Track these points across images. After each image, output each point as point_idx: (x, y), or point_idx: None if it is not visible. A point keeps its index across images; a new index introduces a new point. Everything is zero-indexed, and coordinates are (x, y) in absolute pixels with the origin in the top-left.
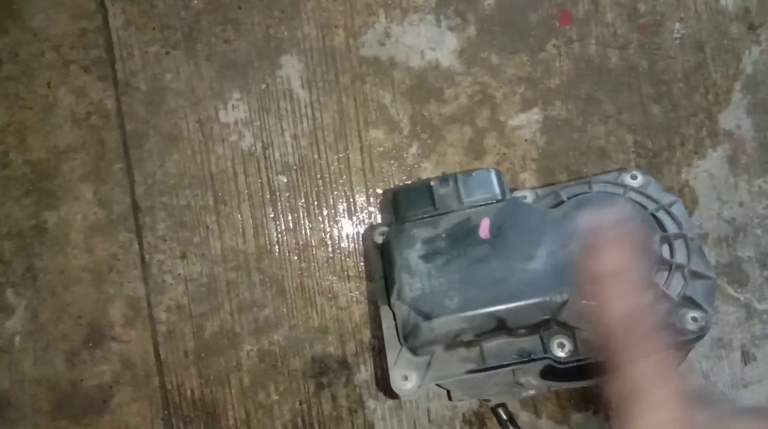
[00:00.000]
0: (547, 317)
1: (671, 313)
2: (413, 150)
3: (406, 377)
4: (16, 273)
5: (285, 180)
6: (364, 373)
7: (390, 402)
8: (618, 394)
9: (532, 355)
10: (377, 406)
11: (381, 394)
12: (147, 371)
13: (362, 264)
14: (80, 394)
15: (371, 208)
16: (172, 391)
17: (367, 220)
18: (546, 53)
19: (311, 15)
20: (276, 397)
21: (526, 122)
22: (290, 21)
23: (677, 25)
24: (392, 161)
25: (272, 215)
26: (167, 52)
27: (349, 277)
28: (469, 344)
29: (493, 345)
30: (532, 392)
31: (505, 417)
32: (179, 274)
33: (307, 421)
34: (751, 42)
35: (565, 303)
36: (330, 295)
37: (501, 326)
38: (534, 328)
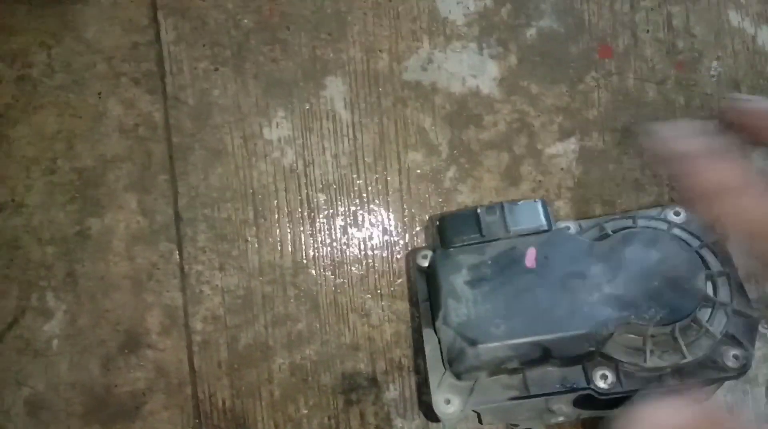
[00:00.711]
0: (591, 349)
1: (713, 350)
2: (450, 173)
3: (448, 401)
4: (58, 277)
5: (324, 198)
6: (393, 391)
7: (418, 421)
8: None
9: (575, 385)
10: (404, 425)
11: (409, 414)
12: (180, 380)
13: (396, 284)
14: (113, 399)
15: (407, 229)
16: (203, 401)
17: (402, 241)
18: (585, 85)
19: (357, 38)
20: (305, 411)
21: (563, 151)
22: (336, 44)
23: (714, 63)
24: (429, 184)
25: (310, 232)
26: (216, 69)
27: (382, 295)
28: (512, 371)
29: (537, 373)
30: (561, 419)
31: None
32: (217, 285)
33: None
34: None
35: (610, 335)
36: (362, 313)
37: (546, 355)
38: (578, 359)
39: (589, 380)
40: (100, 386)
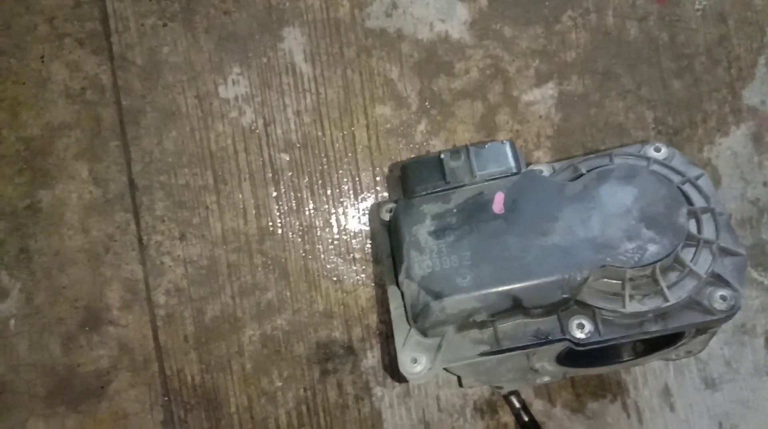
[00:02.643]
0: (565, 296)
1: (698, 291)
2: (422, 127)
3: (415, 360)
4: (10, 254)
5: (287, 158)
6: (371, 359)
7: (398, 389)
8: None
9: (550, 337)
10: (385, 394)
11: (389, 381)
12: (146, 356)
13: (369, 246)
14: (77, 379)
15: (377, 188)
16: (171, 377)
17: (373, 200)
18: (561, 25)
19: None
20: (279, 384)
21: (540, 98)
22: None
23: None
24: (400, 138)
25: (275, 195)
26: (164, 24)
27: (355, 259)
28: (482, 325)
29: (508, 326)
30: (546, 379)
31: (518, 405)
32: (178, 255)
33: (311, 408)
34: None
35: (584, 281)
36: (335, 279)
37: (516, 306)
38: (551, 308)
39: (564, 330)
40: (62, 366)
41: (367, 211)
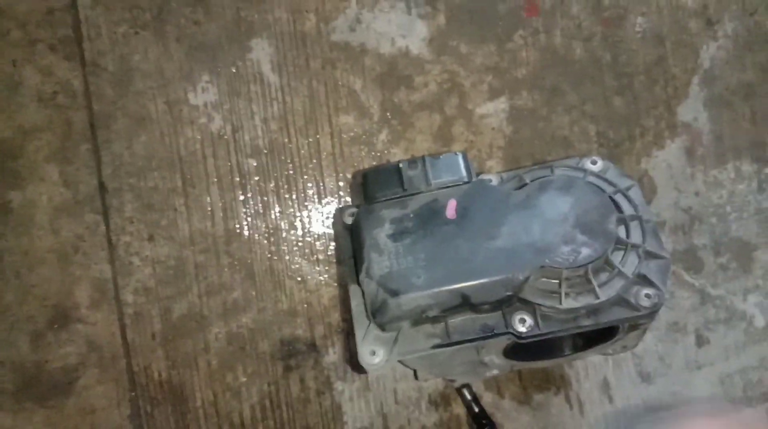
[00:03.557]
0: (509, 294)
1: (626, 290)
2: (383, 136)
3: (373, 352)
4: None
5: (255, 163)
6: (332, 355)
7: (358, 383)
8: None
9: (495, 330)
10: (345, 388)
11: (349, 376)
12: (113, 353)
13: (332, 248)
14: (45, 375)
15: (341, 193)
16: (139, 373)
17: (337, 205)
18: (513, 43)
19: None
20: (244, 380)
21: (493, 111)
22: (261, 4)
23: (639, 19)
24: (362, 146)
25: (242, 198)
26: (136, 33)
27: (318, 260)
28: (434, 320)
29: (458, 321)
30: (495, 372)
31: (469, 397)
32: (147, 256)
33: (275, 402)
34: (708, 37)
35: (526, 280)
36: (299, 279)
37: (465, 302)
38: (497, 305)
39: (508, 324)
40: (30, 363)
41: (330, 215)
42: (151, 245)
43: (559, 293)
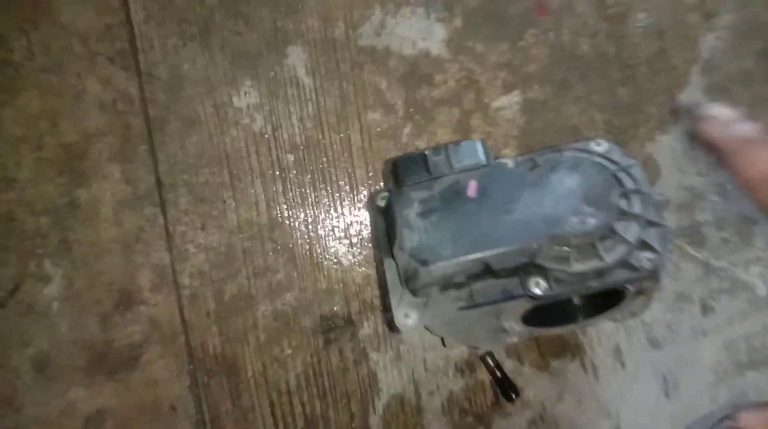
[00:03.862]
0: (525, 261)
1: (629, 254)
2: (407, 130)
3: (407, 315)
4: (53, 245)
5: (293, 158)
6: (367, 329)
7: (391, 353)
8: None
9: (513, 293)
10: (379, 358)
11: (383, 347)
12: (173, 331)
13: (364, 232)
14: (113, 352)
15: (370, 182)
16: (196, 348)
17: (366, 193)
18: (525, 42)
19: (314, 9)
20: (289, 352)
21: (507, 104)
22: (295, 15)
23: (641, 15)
24: (389, 140)
25: (282, 190)
26: (185, 44)
27: (352, 244)
28: (460, 286)
29: (481, 286)
30: (515, 339)
31: (492, 364)
32: (200, 243)
33: (317, 372)
34: (706, 30)
35: (539, 248)
36: (335, 261)
37: (487, 269)
38: (515, 271)
39: (525, 288)
40: (99, 342)
41: (362, 203)
42: (203, 234)
43: (569, 258)
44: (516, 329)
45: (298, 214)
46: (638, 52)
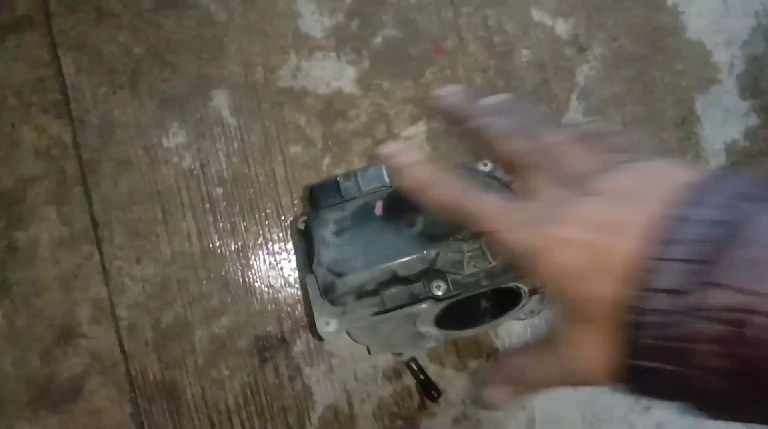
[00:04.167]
0: (426, 267)
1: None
2: (326, 160)
3: (327, 323)
4: None
5: (221, 191)
6: (300, 345)
7: (323, 367)
8: None
9: (419, 296)
10: (312, 372)
11: (315, 361)
12: (113, 361)
13: (292, 255)
14: (55, 385)
15: (296, 209)
16: (136, 377)
17: (292, 220)
18: (425, 78)
19: (235, 56)
20: (227, 373)
21: (414, 133)
22: (217, 61)
23: (524, 52)
24: (310, 170)
25: (212, 221)
26: (114, 92)
27: (281, 267)
28: (372, 294)
29: (390, 292)
30: (433, 343)
31: (415, 368)
32: (136, 276)
33: (254, 390)
34: (581, 61)
35: (437, 255)
36: (267, 283)
37: (395, 277)
38: (419, 277)
39: (428, 290)
40: (42, 376)
41: (288, 228)
42: (139, 267)
43: (463, 262)
44: (432, 333)
45: (229, 242)
46: (524, 83)
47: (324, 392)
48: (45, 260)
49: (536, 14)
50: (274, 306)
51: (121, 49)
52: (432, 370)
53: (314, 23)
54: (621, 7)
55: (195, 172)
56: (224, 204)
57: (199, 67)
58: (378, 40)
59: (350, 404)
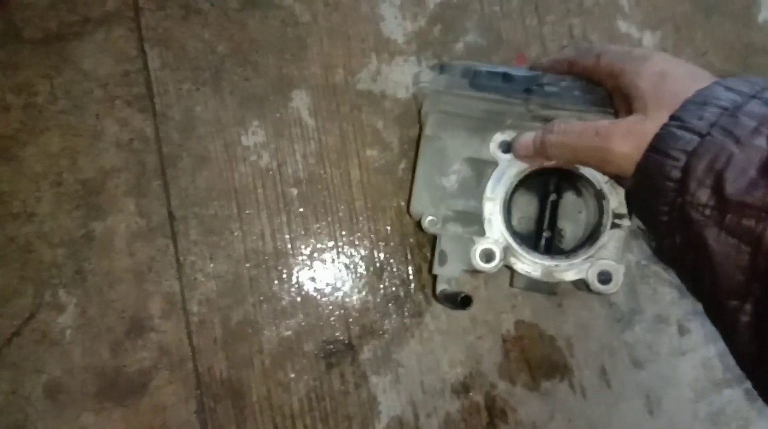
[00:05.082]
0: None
1: None
2: (402, 165)
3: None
4: (68, 275)
5: (296, 192)
6: (367, 352)
7: (390, 377)
8: None
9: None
10: (379, 381)
11: (382, 370)
12: (182, 357)
13: (363, 259)
14: (123, 378)
15: (369, 213)
16: (203, 374)
17: (366, 225)
18: None
19: (316, 57)
20: (293, 376)
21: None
22: (299, 62)
23: None
24: (385, 175)
25: (286, 221)
26: (197, 89)
27: (351, 271)
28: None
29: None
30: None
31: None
32: (209, 272)
33: (319, 395)
34: None
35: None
36: (336, 287)
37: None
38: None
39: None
40: (110, 368)
41: (360, 232)
42: (212, 263)
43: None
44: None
45: (302, 244)
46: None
47: (389, 403)
48: (120, 252)
49: (623, 25)
50: (342, 311)
51: (205, 47)
52: (502, 388)
53: (396, 27)
54: (711, 23)
55: (271, 171)
56: (298, 204)
57: (280, 67)
58: (460, 45)
59: (416, 417)
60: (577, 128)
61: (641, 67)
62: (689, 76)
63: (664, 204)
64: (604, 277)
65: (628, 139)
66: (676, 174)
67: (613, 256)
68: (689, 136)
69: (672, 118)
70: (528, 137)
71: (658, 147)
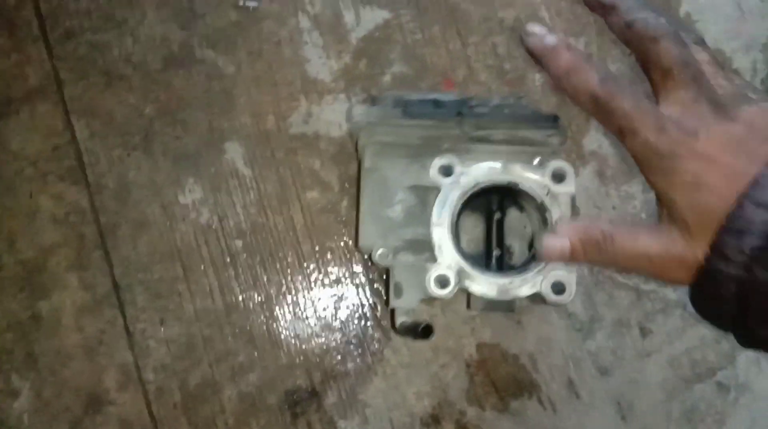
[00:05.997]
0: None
1: None
2: (344, 203)
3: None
4: (18, 359)
5: (241, 244)
6: (332, 397)
7: (357, 418)
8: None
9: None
10: (347, 425)
11: (349, 413)
12: (143, 426)
13: (316, 303)
14: None
15: (317, 256)
16: None
17: (314, 266)
18: None
19: (245, 107)
20: None
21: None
22: (228, 114)
23: (537, 75)
24: (329, 214)
25: (234, 275)
26: (128, 154)
27: (306, 316)
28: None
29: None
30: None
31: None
32: (161, 338)
33: None
34: None
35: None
36: (293, 335)
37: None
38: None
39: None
40: None
41: (311, 277)
42: (163, 328)
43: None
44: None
45: (252, 295)
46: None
47: None
48: (69, 328)
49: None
50: (302, 358)
51: (132, 111)
52: (472, 413)
53: (322, 67)
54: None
55: (213, 226)
56: (245, 256)
57: (210, 121)
58: (387, 77)
59: None
60: (627, 251)
61: (673, 176)
62: (724, 179)
63: (726, 313)
64: (558, 288)
65: (682, 269)
66: (732, 299)
67: (564, 266)
68: (734, 272)
69: (713, 249)
70: (563, 245)
71: (708, 283)
